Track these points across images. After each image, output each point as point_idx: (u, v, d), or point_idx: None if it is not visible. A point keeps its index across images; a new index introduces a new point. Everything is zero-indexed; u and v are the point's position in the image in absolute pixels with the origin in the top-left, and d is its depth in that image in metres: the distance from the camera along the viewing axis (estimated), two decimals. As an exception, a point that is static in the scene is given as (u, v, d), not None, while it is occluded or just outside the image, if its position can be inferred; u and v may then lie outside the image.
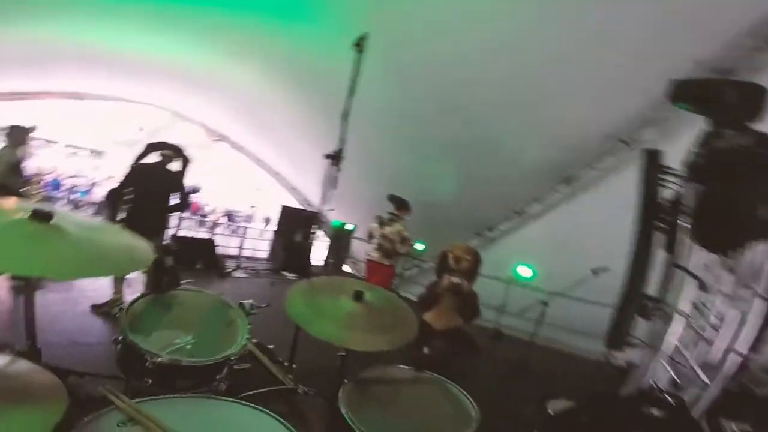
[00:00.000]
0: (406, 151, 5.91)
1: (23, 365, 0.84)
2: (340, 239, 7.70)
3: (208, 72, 6.56)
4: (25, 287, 1.23)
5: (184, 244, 6.40)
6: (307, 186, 9.03)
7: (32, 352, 1.12)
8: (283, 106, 6.82)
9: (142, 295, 1.71)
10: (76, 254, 0.99)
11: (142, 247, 1.19)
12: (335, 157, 1.60)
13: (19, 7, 4.46)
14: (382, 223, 4.14)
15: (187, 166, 3.70)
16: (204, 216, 14.21)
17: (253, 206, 14.50)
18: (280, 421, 1.14)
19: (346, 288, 1.57)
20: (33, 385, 0.78)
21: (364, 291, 1.55)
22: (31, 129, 4.24)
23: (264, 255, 8.05)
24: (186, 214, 14.26)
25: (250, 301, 1.81)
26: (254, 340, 1.89)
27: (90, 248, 1.04)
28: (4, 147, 4.13)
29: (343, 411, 1.35)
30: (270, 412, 1.17)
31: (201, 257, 6.14)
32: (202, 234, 10.15)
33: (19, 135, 4.13)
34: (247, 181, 11.76)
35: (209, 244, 6.69)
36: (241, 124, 8.72)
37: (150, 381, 1.39)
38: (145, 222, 3.16)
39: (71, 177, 14.69)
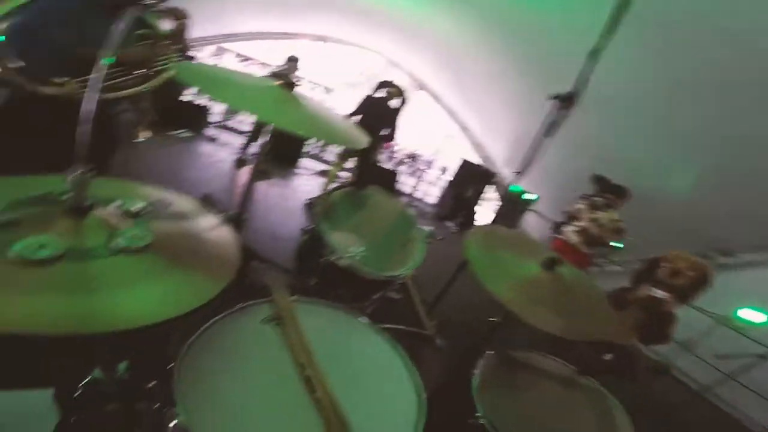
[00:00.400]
0: (635, 128, 4.69)
1: (222, 231, 0.87)
2: (515, 206, 7.14)
3: (419, 22, 6.62)
4: (260, 174, 1.46)
5: (371, 170, 6.68)
6: (491, 144, 8.57)
7: (238, 220, 1.33)
8: (485, 61, 6.35)
9: (342, 186, 1.77)
10: (307, 118, 1.22)
11: (357, 133, 1.36)
12: (567, 99, 1.22)
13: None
14: (594, 206, 3.45)
15: (404, 105, 4.38)
16: (393, 152, 15.35)
17: (436, 153, 14.90)
18: (411, 371, 1.08)
19: (535, 250, 1.32)
20: (214, 252, 0.77)
21: (559, 261, 1.27)
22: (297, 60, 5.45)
23: (433, 201, 8.28)
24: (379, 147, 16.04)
25: (431, 228, 1.69)
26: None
27: (318, 118, 1.27)
28: (283, 71, 5.34)
29: (474, 383, 1.21)
30: (406, 357, 1.12)
31: (383, 185, 6.70)
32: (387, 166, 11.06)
33: (294, 63, 5.38)
34: (436, 130, 12.01)
35: (392, 175, 7.04)
36: (441, 76, 8.70)
37: (315, 281, 1.45)
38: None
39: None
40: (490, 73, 6.59)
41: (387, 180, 6.72)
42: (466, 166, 7.67)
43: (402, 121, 4.50)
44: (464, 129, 9.38)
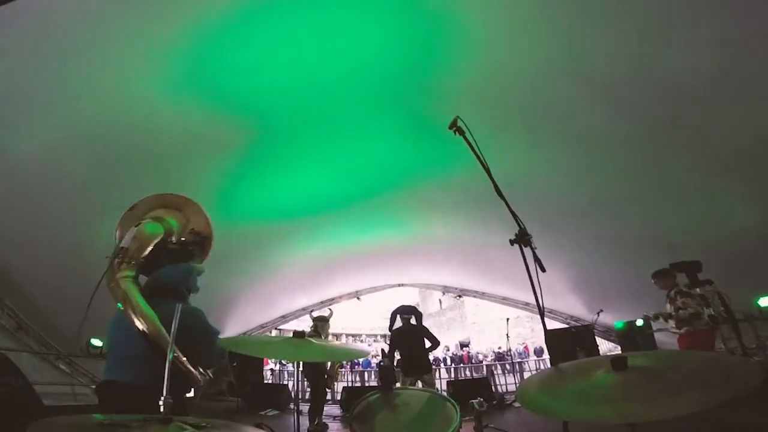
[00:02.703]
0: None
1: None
2: (634, 340, 6.26)
3: (416, 243, 7.05)
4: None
5: (461, 385, 7.36)
6: (560, 303, 7.91)
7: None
8: (483, 239, 6.24)
9: (370, 395, 1.89)
10: (314, 351, 1.77)
11: (357, 349, 2.15)
12: (521, 239, 1.28)
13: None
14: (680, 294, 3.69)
15: (420, 318, 4.98)
16: (479, 362, 14.55)
17: (523, 343, 13.90)
18: None
19: (600, 363, 1.16)
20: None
21: (626, 358, 1.10)
22: (329, 316, 5.47)
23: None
24: (461, 364, 14.97)
25: (480, 399, 1.89)
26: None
27: (323, 348, 1.89)
28: (311, 333, 5.26)
29: None
30: None
31: (479, 394, 6.02)
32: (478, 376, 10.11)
33: (323, 323, 5.29)
34: (504, 321, 11.34)
35: (485, 381, 7.40)
36: (465, 273, 8.82)
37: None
38: (414, 363, 4.56)
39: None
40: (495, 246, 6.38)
41: (480, 387, 6.67)
42: (553, 335, 6.98)
43: (461, 338, 5.05)
44: (526, 306, 8.88)
